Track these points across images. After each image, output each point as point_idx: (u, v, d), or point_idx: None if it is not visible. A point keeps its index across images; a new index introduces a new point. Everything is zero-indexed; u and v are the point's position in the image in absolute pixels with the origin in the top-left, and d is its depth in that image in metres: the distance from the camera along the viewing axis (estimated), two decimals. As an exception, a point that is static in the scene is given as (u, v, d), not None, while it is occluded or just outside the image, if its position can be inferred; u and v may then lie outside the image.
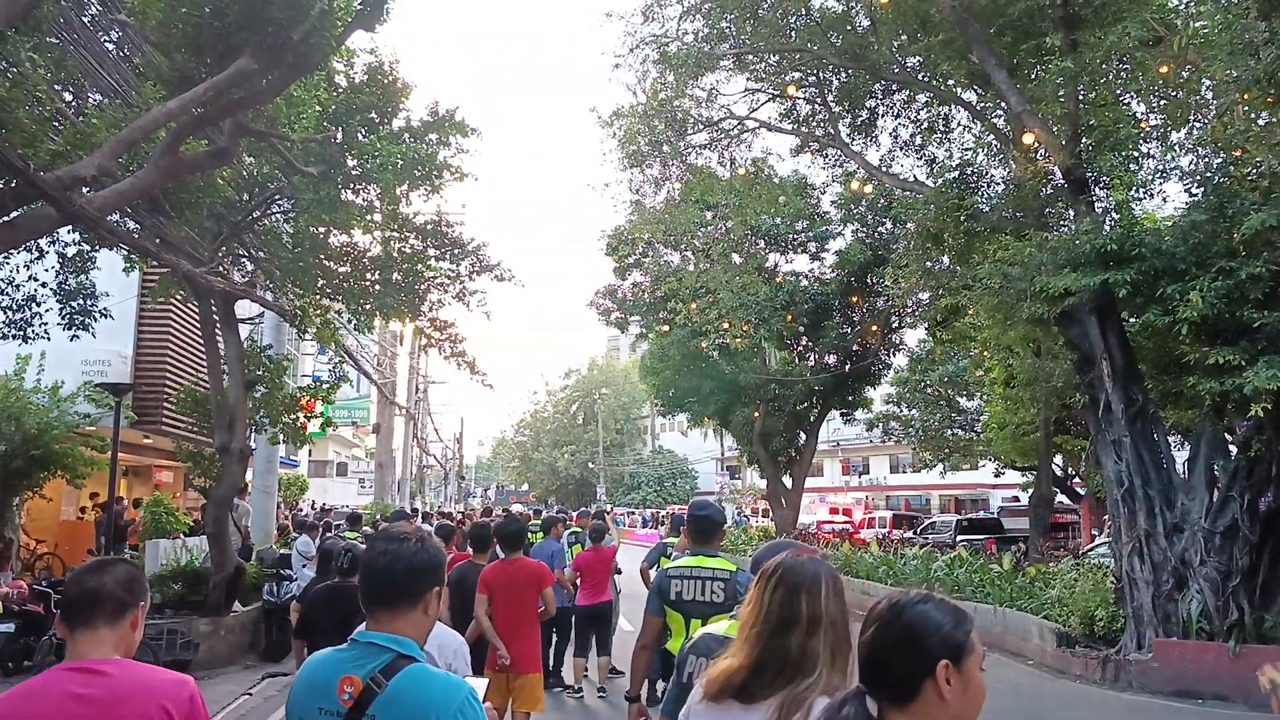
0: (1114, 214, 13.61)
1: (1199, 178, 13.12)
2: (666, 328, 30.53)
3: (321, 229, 14.51)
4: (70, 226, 10.94)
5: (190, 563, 14.75)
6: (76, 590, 2.84)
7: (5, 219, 9.08)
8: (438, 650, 3.98)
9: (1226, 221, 11.89)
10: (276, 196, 13.87)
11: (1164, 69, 12.59)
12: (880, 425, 35.91)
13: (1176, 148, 13.95)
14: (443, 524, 9.98)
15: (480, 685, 2.94)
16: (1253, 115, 11.65)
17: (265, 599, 14.28)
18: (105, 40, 12.23)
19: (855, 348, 30.37)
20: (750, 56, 17.49)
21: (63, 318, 13.00)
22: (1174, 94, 13.46)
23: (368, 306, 15.04)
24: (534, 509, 38.60)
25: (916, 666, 2.08)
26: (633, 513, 64.78)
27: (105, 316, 13.60)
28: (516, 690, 7.32)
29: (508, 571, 7.48)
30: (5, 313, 12.39)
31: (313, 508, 33.31)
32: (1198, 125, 13.61)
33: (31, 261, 12.51)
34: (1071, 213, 14.20)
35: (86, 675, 2.69)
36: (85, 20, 11.65)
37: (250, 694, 10.99)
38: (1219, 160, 12.87)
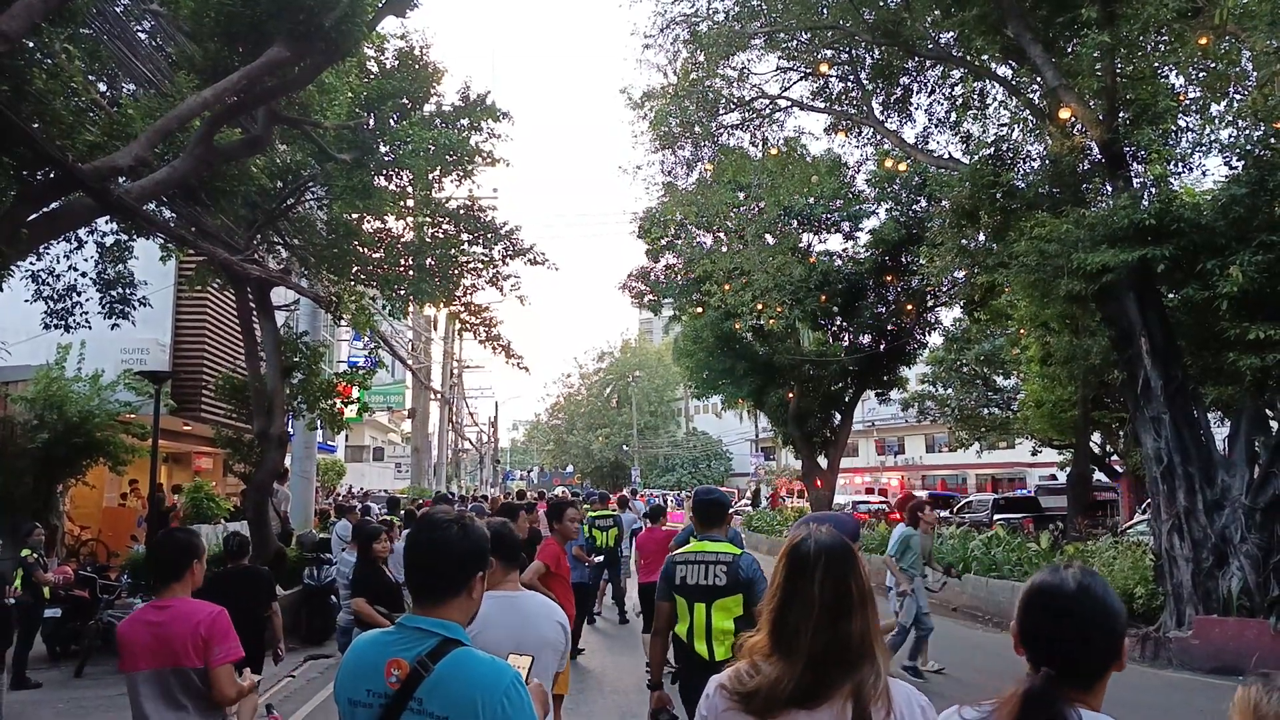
0: (1152, 189, 13.42)
1: (1239, 150, 12.96)
2: (700, 310, 30.44)
3: (355, 215, 14.60)
4: (108, 216, 11.04)
5: (231, 548, 14.89)
6: (155, 556, 5.05)
7: (45, 209, 9.19)
8: (561, 618, 3.99)
9: (1267, 195, 11.75)
10: (310, 184, 13.93)
11: (1203, 40, 12.36)
12: (916, 405, 35.77)
13: (1216, 120, 13.71)
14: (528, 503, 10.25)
15: (523, 664, 2.95)
16: (1294, 87, 11.46)
17: (305, 583, 14.39)
18: (138, 30, 12.30)
19: (890, 327, 30.16)
20: (782, 34, 17.34)
21: (102, 307, 13.13)
22: (1213, 66, 13.22)
23: (402, 292, 15.11)
24: (574, 491, 38.73)
25: (1113, 648, 2.06)
26: (666, 494, 64.93)
27: (144, 305, 13.70)
28: None
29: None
30: (47, 302, 12.53)
31: (349, 493, 33.60)
32: (1238, 97, 13.39)
33: (71, 251, 12.61)
34: (1109, 188, 14.06)
35: (157, 609, 4.47)
36: (118, 10, 11.72)
37: (293, 675, 11.11)
38: (1259, 132, 12.69)
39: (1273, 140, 12.40)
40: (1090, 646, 2.07)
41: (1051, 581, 2.15)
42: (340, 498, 30.33)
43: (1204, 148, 13.91)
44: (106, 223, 12.44)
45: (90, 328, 13.10)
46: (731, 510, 15.13)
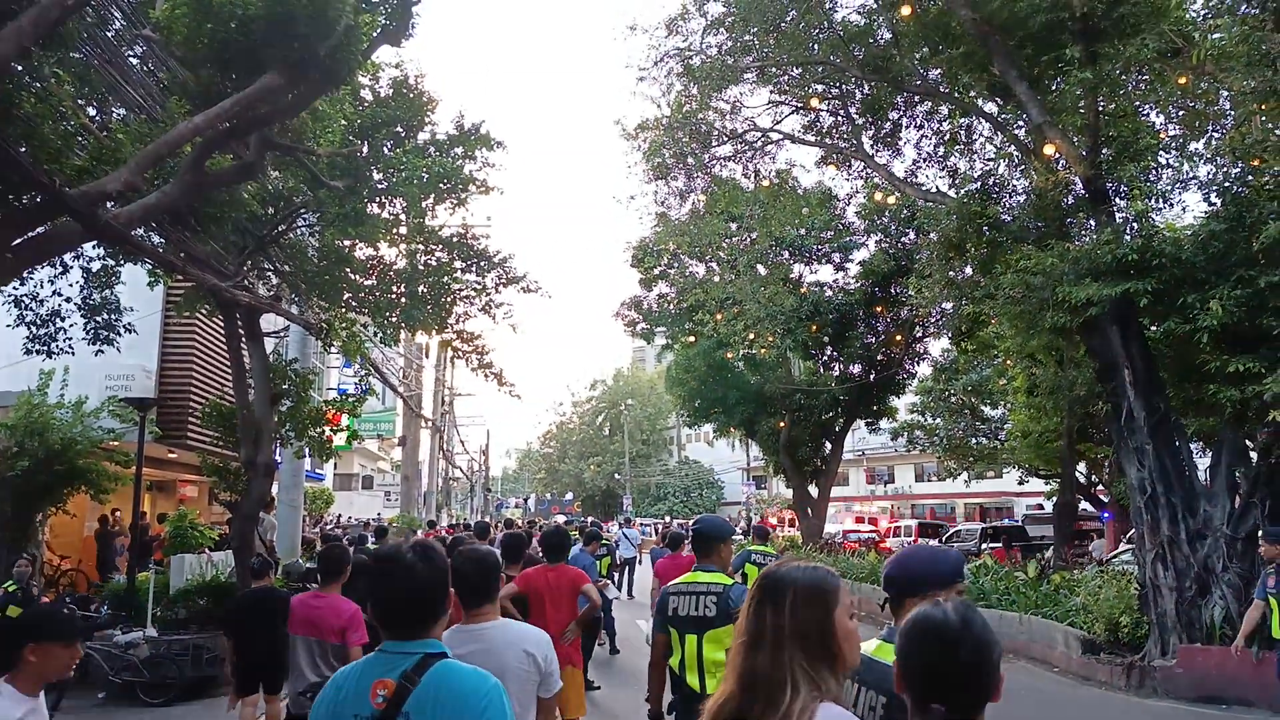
0: (1134, 224, 13.61)
1: (1217, 187, 13.17)
2: (692, 338, 30.59)
3: (347, 242, 14.57)
4: (95, 241, 11.05)
5: (216, 577, 14.74)
6: (321, 560, 7.45)
7: (31, 234, 9.21)
8: (535, 646, 3.97)
9: (1245, 230, 11.93)
10: (302, 210, 13.92)
11: (1182, 80, 12.57)
12: (905, 434, 35.79)
13: (1195, 158, 13.98)
14: (515, 533, 10.34)
15: None
16: (1270, 125, 11.67)
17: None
18: (130, 55, 12.31)
19: (880, 357, 30.28)
20: (773, 69, 17.54)
21: (87, 332, 12.98)
22: (1192, 104, 13.46)
23: (394, 319, 15.06)
24: (570, 519, 38.40)
25: (994, 679, 2.09)
26: (659, 523, 64.77)
27: (130, 331, 13.61)
28: None
29: (548, 576, 7.54)
30: (30, 328, 12.36)
31: (336, 523, 33.44)
32: (1216, 135, 13.61)
33: (56, 276, 12.51)
34: (1092, 222, 14.20)
35: (317, 597, 6.91)
36: (110, 35, 11.76)
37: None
38: (1237, 170, 12.89)
39: (1250, 178, 12.61)
40: (977, 678, 2.10)
41: (936, 615, 2.17)
42: (329, 527, 30.23)
43: (1183, 184, 14.13)
44: (93, 248, 12.37)
45: (73, 354, 12.97)
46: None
